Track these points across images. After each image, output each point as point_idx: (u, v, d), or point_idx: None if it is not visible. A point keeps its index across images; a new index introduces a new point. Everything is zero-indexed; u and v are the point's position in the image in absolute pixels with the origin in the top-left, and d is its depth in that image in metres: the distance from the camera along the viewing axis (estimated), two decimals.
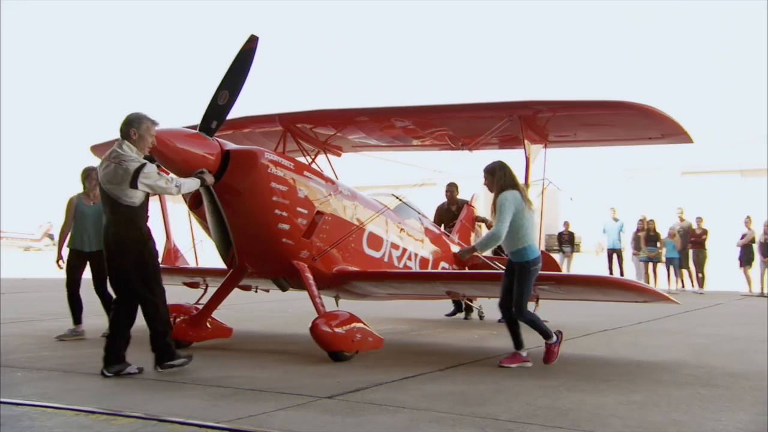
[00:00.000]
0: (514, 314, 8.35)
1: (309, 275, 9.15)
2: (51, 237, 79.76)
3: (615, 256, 25.74)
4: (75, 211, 10.75)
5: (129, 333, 7.80)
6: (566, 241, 29.49)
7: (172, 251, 11.81)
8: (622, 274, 25.25)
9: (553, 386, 7.33)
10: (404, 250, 10.91)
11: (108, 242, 7.72)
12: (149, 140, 7.68)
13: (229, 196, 8.61)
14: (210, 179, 8.22)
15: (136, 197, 7.52)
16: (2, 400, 6.35)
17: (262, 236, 8.95)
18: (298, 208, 9.03)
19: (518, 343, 8.47)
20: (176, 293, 11.62)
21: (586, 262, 34.23)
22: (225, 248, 8.92)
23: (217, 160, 8.42)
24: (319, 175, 9.63)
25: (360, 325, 8.97)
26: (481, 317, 13.64)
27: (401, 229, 10.96)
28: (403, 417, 5.99)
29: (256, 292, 11.49)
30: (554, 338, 8.42)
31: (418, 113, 9.82)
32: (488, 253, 12.40)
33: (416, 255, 11.16)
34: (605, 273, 24.44)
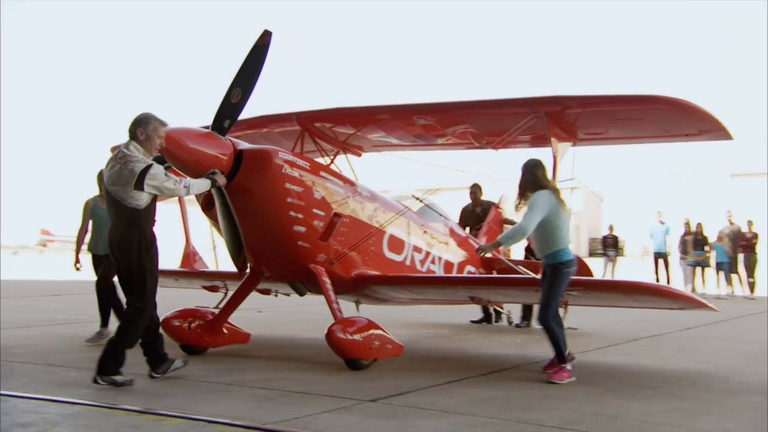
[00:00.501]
0: (537, 316, 7.95)
1: (326, 279, 8.83)
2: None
3: (661, 260, 25.03)
4: (92, 214, 10.63)
5: (159, 331, 7.75)
6: (610, 244, 29.01)
7: (191, 254, 11.55)
8: (668, 278, 24.59)
9: (599, 392, 7.25)
10: (427, 253, 10.53)
11: (112, 245, 7.48)
12: (157, 141, 7.45)
13: (242, 197, 8.32)
14: (222, 180, 7.95)
15: (141, 199, 7.26)
16: (59, 398, 6.61)
17: (277, 239, 8.66)
18: (315, 210, 8.70)
19: (561, 355, 7.90)
20: (196, 297, 11.47)
21: (631, 267, 33.59)
22: (236, 252, 8.60)
23: (230, 160, 8.14)
24: (337, 175, 9.30)
25: (378, 332, 8.60)
26: (510, 323, 13.18)
27: (424, 232, 10.59)
28: (446, 422, 5.98)
29: (276, 296, 11.17)
30: (569, 366, 7.87)
31: (441, 110, 9.39)
32: (517, 256, 12.02)
33: (440, 258, 10.77)
34: (651, 277, 23.96)
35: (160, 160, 7.77)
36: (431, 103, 9.41)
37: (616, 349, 10.05)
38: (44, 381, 7.58)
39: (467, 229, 12.89)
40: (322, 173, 8.92)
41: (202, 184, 7.74)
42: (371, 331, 8.50)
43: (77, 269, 10.92)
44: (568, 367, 7.89)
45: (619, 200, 65.14)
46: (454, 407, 6.46)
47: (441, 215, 11.14)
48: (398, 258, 10.02)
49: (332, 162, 10.23)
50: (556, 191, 7.97)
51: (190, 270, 11.55)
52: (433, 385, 7.49)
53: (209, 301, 10.39)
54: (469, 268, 11.41)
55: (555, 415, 6.20)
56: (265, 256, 9.02)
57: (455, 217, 13.07)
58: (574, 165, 9.31)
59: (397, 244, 9.96)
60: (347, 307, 9.30)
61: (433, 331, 12.44)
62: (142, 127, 7.36)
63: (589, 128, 9.38)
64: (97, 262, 10.58)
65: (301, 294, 9.60)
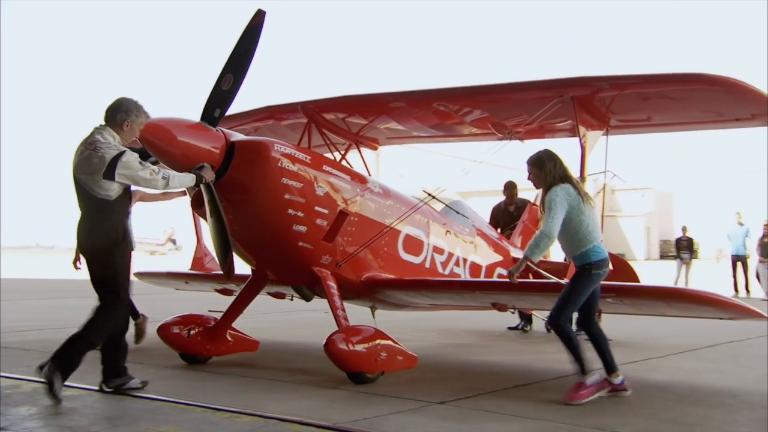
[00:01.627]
0: (548, 316, 7.08)
1: (332, 283, 8.07)
2: (174, 242, 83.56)
3: (740, 263, 23.77)
4: None
5: (125, 341, 7.02)
6: (684, 247, 27.61)
7: (202, 256, 10.92)
8: (747, 282, 23.49)
9: (677, 399, 7.03)
10: (450, 254, 9.65)
11: (80, 239, 6.89)
12: (136, 134, 6.92)
13: (235, 193, 7.62)
14: (209, 175, 7.22)
15: (111, 190, 6.64)
16: (144, 395, 6.83)
17: (275, 239, 7.92)
18: (317, 208, 7.92)
19: (609, 365, 6.99)
20: (210, 301, 10.82)
21: (706, 270, 32.01)
22: (223, 254, 7.85)
23: (221, 154, 7.42)
24: (344, 170, 8.50)
25: (386, 342, 7.80)
26: (548, 330, 12.16)
27: (447, 232, 9.68)
28: (517, 426, 5.91)
29: (291, 300, 10.40)
30: (594, 377, 6.87)
31: (459, 95, 8.47)
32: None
33: (465, 260, 9.88)
34: (728, 281, 23.06)
35: (144, 154, 7.14)
36: (450, 88, 8.47)
37: (693, 355, 9.72)
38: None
39: (498, 230, 11.92)
40: (325, 167, 8.12)
41: (185, 179, 7.03)
42: (377, 342, 7.69)
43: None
44: (588, 381, 6.86)
45: (691, 200, 63.11)
46: (523, 411, 6.35)
47: (461, 214, 10.17)
48: (416, 260, 9.17)
49: (344, 156, 9.42)
50: (574, 183, 7.00)
51: (202, 272, 10.95)
52: (501, 389, 7.34)
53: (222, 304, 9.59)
54: (501, 270, 10.45)
55: (630, 422, 6.05)
56: (264, 258, 8.30)
57: (485, 216, 12.12)
58: (607, 156, 8.25)
59: (414, 245, 9.11)
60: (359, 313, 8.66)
61: (503, 334, 12.06)
62: (130, 117, 6.82)
63: (623, 114, 8.35)
64: None
65: (307, 299, 8.83)
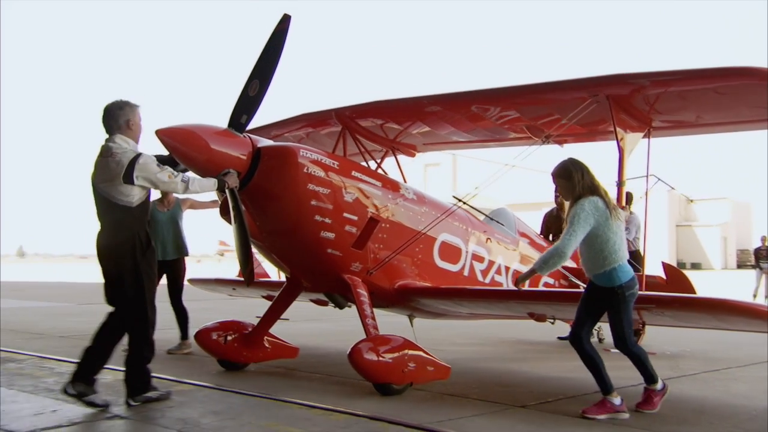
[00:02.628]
0: (617, 346, 6.53)
1: (362, 291, 7.71)
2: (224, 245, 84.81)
3: None
4: (150, 218, 10.11)
5: (110, 354, 6.65)
6: (764, 256, 26.31)
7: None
8: None
9: (763, 408, 6.79)
10: (491, 262, 9.18)
11: (99, 248, 6.59)
12: (140, 126, 6.69)
13: (261, 199, 7.35)
14: (233, 181, 6.95)
15: (132, 195, 6.38)
16: (244, 391, 7.18)
17: (303, 246, 7.61)
18: (345, 214, 7.58)
19: (606, 386, 6.50)
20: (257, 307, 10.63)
21: None
22: (244, 260, 7.59)
23: (248, 160, 7.16)
24: (375, 175, 8.12)
25: (415, 352, 7.40)
26: (600, 340, 11.54)
27: (488, 239, 9.20)
28: (598, 431, 5.89)
29: (335, 306, 10.08)
30: (660, 385, 6.53)
31: (493, 97, 7.94)
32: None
33: (508, 268, 9.39)
34: None
35: (171, 161, 6.94)
36: (485, 89, 7.89)
37: None
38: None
39: (551, 237, 11.37)
40: (354, 173, 7.75)
41: (207, 183, 6.81)
42: (405, 352, 7.29)
43: None
44: (658, 386, 6.53)
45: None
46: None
47: (495, 220, 9.65)
48: (453, 268, 8.74)
49: (380, 164, 9.09)
50: (603, 196, 6.40)
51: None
52: (580, 394, 7.21)
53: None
54: (547, 279, 9.95)
55: (713, 431, 6.01)
56: (294, 265, 8.02)
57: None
58: (649, 159, 7.68)
59: (451, 252, 8.67)
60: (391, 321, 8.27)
61: (544, 347, 11.59)
62: (128, 116, 6.55)
63: (665, 114, 7.74)
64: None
65: (341, 307, 8.52)
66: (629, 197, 11.77)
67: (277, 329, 8.96)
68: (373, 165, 9.07)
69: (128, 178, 6.29)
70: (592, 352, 6.53)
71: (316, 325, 13.57)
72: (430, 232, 8.34)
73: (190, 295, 10.50)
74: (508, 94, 7.76)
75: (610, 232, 6.30)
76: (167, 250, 10.14)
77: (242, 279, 10.89)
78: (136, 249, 6.45)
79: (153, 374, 6.80)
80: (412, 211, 8.22)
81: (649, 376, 6.54)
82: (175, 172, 6.54)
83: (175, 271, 10.28)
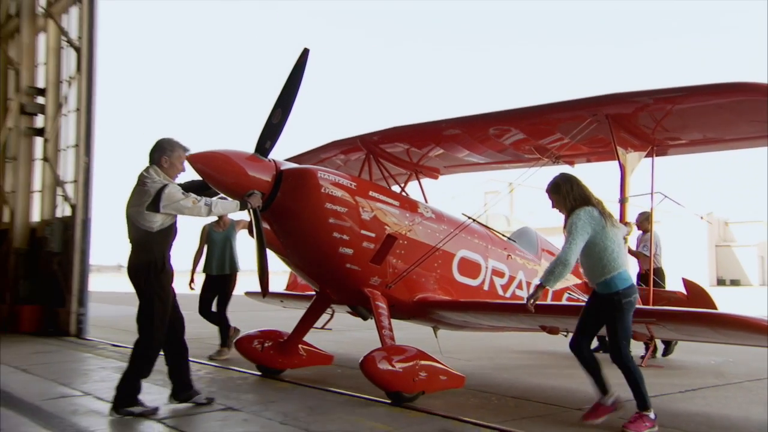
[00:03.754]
0: (611, 357, 5.75)
1: (380, 303, 7.15)
2: None
3: None
4: (207, 238, 10.18)
5: (187, 357, 6.48)
6: None
7: (295, 278, 10.43)
8: None
9: None
10: (511, 278, 8.49)
11: (128, 269, 6.24)
12: (179, 168, 6.31)
13: (284, 218, 6.90)
14: (255, 201, 6.52)
15: (154, 221, 6.02)
16: (335, 389, 7.14)
17: (324, 261, 7.11)
18: (363, 231, 7.05)
19: (603, 388, 5.84)
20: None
21: None
22: (261, 274, 7.10)
23: (272, 181, 6.74)
24: (392, 195, 7.57)
25: (427, 362, 6.77)
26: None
27: (508, 256, 8.52)
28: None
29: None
30: (652, 415, 5.71)
31: (503, 119, 7.24)
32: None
33: (529, 284, 8.65)
34: None
35: (202, 185, 6.60)
36: (499, 112, 7.17)
37: None
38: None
39: None
40: (371, 193, 7.23)
41: (229, 205, 6.43)
42: (416, 362, 6.66)
43: (191, 288, 10.22)
44: (651, 415, 5.69)
45: None
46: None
47: (503, 235, 8.94)
48: (473, 282, 8.09)
49: (405, 187, 8.51)
50: (596, 205, 5.75)
51: (296, 293, 10.35)
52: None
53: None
54: (570, 294, 9.18)
55: None
56: (318, 279, 7.54)
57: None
58: (653, 177, 6.88)
59: (470, 268, 8.03)
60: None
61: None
62: (166, 154, 6.21)
63: (666, 132, 6.93)
64: (208, 282, 10.12)
65: (364, 318, 7.94)
66: (648, 217, 10.89)
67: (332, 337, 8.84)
68: (399, 188, 8.49)
69: (154, 207, 5.97)
70: (591, 358, 5.86)
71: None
72: (449, 249, 7.75)
73: (249, 306, 10.31)
74: (510, 116, 7.09)
75: (608, 240, 5.66)
76: (221, 266, 10.00)
77: (289, 293, 10.58)
78: (150, 270, 6.08)
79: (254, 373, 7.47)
80: (430, 228, 7.64)
81: (642, 401, 5.70)
82: (199, 198, 6.15)
83: (227, 284, 10.10)
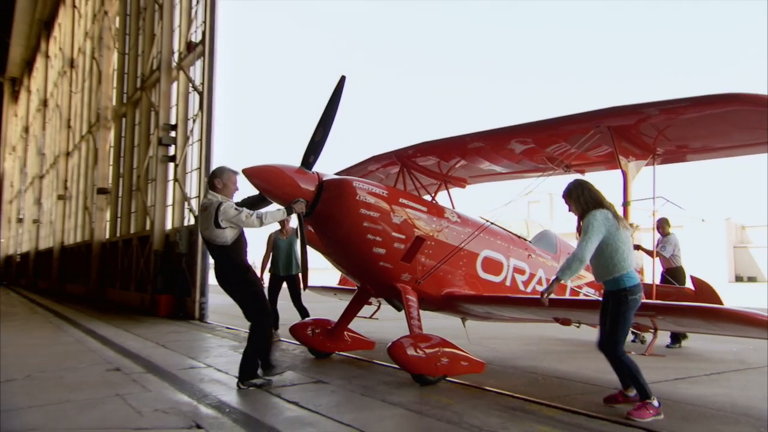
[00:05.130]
0: (604, 351, 5.33)
1: (410, 297, 6.89)
2: None
3: None
4: (273, 245, 10.32)
5: (268, 347, 6.44)
6: None
7: None
8: None
9: None
10: (531, 275, 8.09)
11: (219, 281, 6.30)
12: (232, 188, 6.30)
13: (325, 222, 6.73)
14: (299, 208, 6.38)
15: (225, 237, 6.05)
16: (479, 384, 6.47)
17: (360, 259, 6.90)
18: (394, 234, 6.81)
19: (643, 390, 5.30)
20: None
21: None
22: (305, 271, 6.92)
23: (315, 191, 6.59)
24: (420, 202, 7.29)
25: (450, 349, 6.50)
26: (642, 342, 9.91)
27: (528, 255, 8.10)
28: (679, 412, 5.36)
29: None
30: (656, 402, 5.23)
31: (514, 132, 6.88)
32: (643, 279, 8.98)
33: (548, 280, 8.16)
34: None
35: (260, 198, 6.58)
36: (522, 125, 6.80)
37: None
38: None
39: None
40: (401, 200, 6.99)
41: (277, 214, 6.32)
42: (439, 349, 6.40)
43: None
44: (655, 403, 5.23)
45: None
46: (686, 400, 5.78)
47: (514, 235, 8.39)
48: (496, 279, 7.73)
49: (435, 196, 8.20)
50: (609, 207, 5.35)
51: (347, 287, 10.15)
52: (664, 380, 6.59)
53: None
54: (587, 290, 8.67)
55: None
56: (356, 275, 7.33)
57: None
58: (655, 183, 6.36)
59: (493, 266, 7.67)
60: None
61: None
62: (218, 178, 6.24)
63: (666, 142, 6.42)
64: (275, 280, 10.23)
65: (398, 309, 7.67)
66: (666, 222, 10.26)
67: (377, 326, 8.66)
68: (430, 196, 8.19)
69: (216, 223, 6.01)
70: (625, 358, 5.34)
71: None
72: (473, 249, 7.45)
73: (312, 298, 10.27)
74: (521, 129, 6.72)
75: (620, 241, 5.26)
76: (288, 267, 10.14)
77: (341, 287, 10.37)
78: (238, 275, 6.19)
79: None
80: (455, 231, 7.32)
81: (643, 390, 5.25)
82: (251, 212, 6.12)
83: (293, 282, 10.17)
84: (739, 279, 59.09)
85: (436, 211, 7.31)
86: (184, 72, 15.74)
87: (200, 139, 14.02)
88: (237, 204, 6.32)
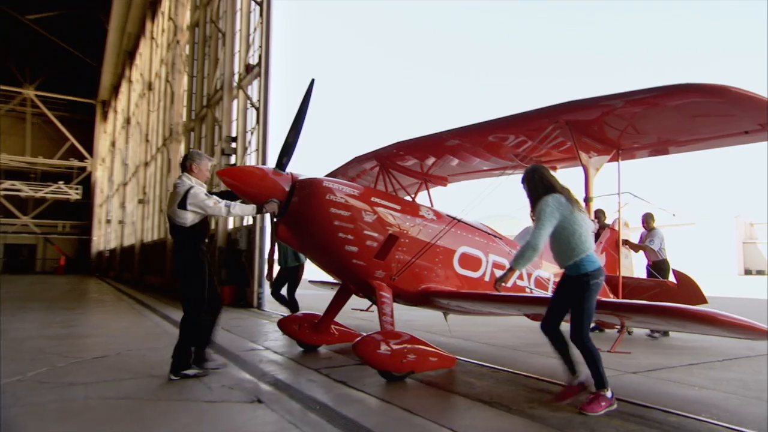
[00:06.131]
0: (571, 337, 4.54)
1: (384, 293, 6.14)
2: None
3: None
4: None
5: (207, 334, 5.92)
6: None
7: None
8: None
9: None
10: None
11: (173, 258, 5.78)
12: (205, 173, 5.76)
13: (298, 221, 6.05)
14: (271, 207, 5.81)
15: (185, 218, 5.48)
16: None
17: (333, 258, 6.20)
18: (366, 231, 6.10)
19: (572, 368, 4.67)
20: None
21: None
22: (269, 266, 6.25)
23: (287, 191, 5.97)
24: (393, 200, 6.52)
25: (417, 346, 5.73)
26: (630, 333, 8.89)
27: (509, 252, 7.21)
28: (695, 393, 5.15)
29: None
30: (609, 393, 4.49)
31: (477, 131, 6.00)
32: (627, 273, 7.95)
33: (530, 275, 7.41)
34: None
35: (231, 195, 5.97)
36: (468, 126, 5.98)
37: None
38: None
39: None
40: (373, 199, 6.26)
41: (247, 208, 5.76)
42: (406, 345, 5.64)
43: (269, 279, 9.60)
44: (608, 394, 4.44)
45: None
46: (699, 383, 5.52)
47: (483, 230, 7.50)
48: (474, 274, 6.90)
49: (416, 195, 7.40)
50: (562, 191, 4.57)
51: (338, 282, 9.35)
52: (679, 366, 6.39)
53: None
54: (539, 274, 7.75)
55: None
56: (333, 272, 6.59)
57: None
58: (620, 178, 5.41)
59: (471, 262, 6.86)
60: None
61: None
62: (195, 162, 5.70)
63: (631, 136, 5.44)
64: (281, 273, 9.50)
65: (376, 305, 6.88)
66: (651, 217, 9.19)
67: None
68: (410, 196, 7.38)
69: (182, 205, 5.46)
70: (560, 339, 4.67)
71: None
72: (450, 246, 6.66)
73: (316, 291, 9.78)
74: (484, 127, 5.84)
75: (576, 224, 4.49)
76: (288, 259, 9.33)
77: (335, 282, 9.60)
78: (186, 259, 5.55)
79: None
80: (431, 228, 6.54)
81: (600, 379, 4.49)
82: (220, 200, 5.56)
83: (294, 274, 9.40)
84: (748, 272, 56.01)
85: (410, 209, 6.57)
86: (243, 91, 16.06)
87: (257, 149, 14.17)
88: (214, 194, 5.82)
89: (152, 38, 30.96)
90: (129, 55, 36.97)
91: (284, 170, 6.02)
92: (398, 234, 6.25)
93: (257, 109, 14.23)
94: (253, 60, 15.57)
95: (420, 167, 7.39)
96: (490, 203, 6.92)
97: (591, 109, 4.93)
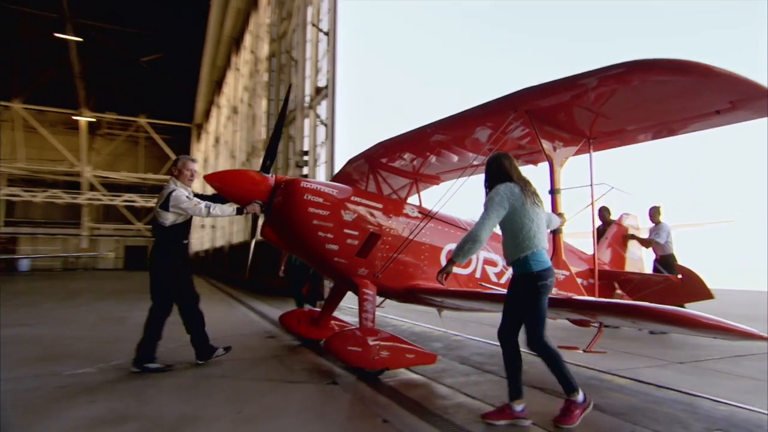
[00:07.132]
0: (527, 344, 3.72)
1: (367, 291, 5.52)
2: None
3: None
4: None
5: (203, 324, 5.61)
6: None
7: None
8: None
9: None
10: (505, 267, 6.33)
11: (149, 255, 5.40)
12: (186, 174, 5.43)
13: (280, 221, 5.55)
14: (252, 209, 5.39)
15: (166, 219, 5.19)
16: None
17: (316, 256, 5.65)
18: (346, 230, 5.52)
19: (515, 390, 3.75)
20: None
21: None
22: (251, 264, 5.80)
23: (269, 192, 5.49)
24: (375, 199, 5.87)
25: (392, 343, 5.07)
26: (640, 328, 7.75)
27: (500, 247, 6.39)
28: (744, 384, 4.82)
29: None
30: (581, 396, 3.64)
31: (441, 126, 5.20)
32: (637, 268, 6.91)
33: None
34: None
35: (220, 198, 5.59)
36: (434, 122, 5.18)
37: None
38: None
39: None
40: (354, 198, 5.66)
41: (227, 209, 5.35)
42: (380, 342, 5.01)
43: (281, 275, 9.15)
44: (579, 398, 3.62)
45: None
46: (748, 373, 5.18)
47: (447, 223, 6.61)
48: (465, 271, 6.14)
49: (409, 194, 6.72)
50: (518, 181, 3.74)
51: None
52: (726, 357, 5.97)
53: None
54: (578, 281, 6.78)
55: None
56: (320, 270, 6.06)
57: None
58: (592, 168, 4.49)
59: None
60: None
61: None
62: (176, 165, 5.43)
63: (601, 126, 4.48)
64: (292, 270, 8.92)
65: None
66: (658, 210, 8.00)
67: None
68: (397, 196, 6.72)
69: (164, 206, 5.17)
70: (515, 354, 3.80)
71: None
72: (436, 243, 5.96)
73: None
74: (446, 122, 5.05)
75: (526, 218, 3.67)
76: (296, 260, 8.79)
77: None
78: (160, 256, 5.23)
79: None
80: (414, 226, 5.82)
81: (567, 384, 3.64)
82: (200, 201, 5.22)
83: (300, 271, 8.75)
84: None
85: (393, 207, 5.91)
86: (314, 110, 16.35)
87: (326, 161, 14.34)
88: (204, 197, 5.52)
89: (236, 69, 31.99)
90: (217, 85, 38.49)
91: (268, 172, 5.59)
92: (380, 232, 5.64)
93: (326, 126, 14.45)
94: (322, 83, 15.85)
95: (411, 167, 6.73)
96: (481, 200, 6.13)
97: (545, 95, 4.08)
